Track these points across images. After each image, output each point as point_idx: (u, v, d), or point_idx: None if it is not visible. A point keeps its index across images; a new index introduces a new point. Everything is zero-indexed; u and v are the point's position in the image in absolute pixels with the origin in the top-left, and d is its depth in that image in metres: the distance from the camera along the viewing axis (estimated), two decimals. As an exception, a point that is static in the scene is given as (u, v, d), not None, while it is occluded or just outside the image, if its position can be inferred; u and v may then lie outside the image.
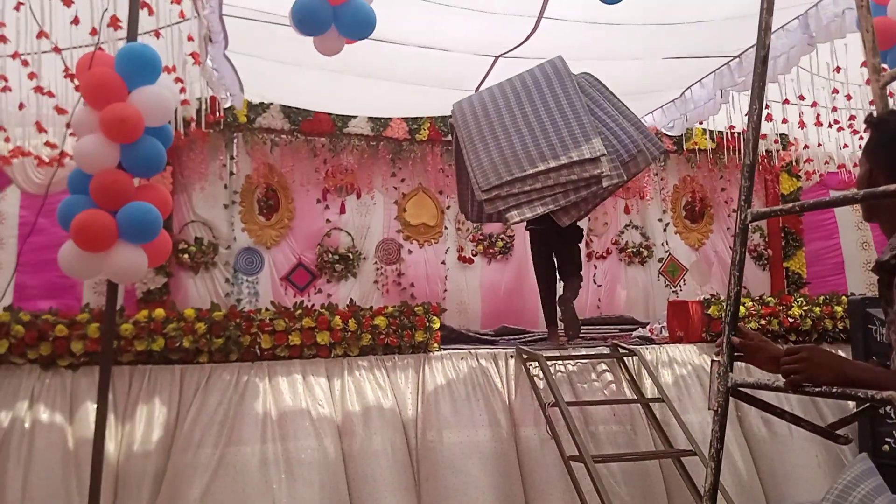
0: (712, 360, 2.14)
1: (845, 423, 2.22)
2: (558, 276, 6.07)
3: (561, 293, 5.94)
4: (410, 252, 7.57)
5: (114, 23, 4.19)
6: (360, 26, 3.96)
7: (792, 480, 5.25)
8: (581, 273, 6.06)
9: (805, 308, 5.94)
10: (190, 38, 4.89)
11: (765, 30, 2.13)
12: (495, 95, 5.28)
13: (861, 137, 6.64)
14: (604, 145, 4.88)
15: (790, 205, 2.18)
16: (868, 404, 2.02)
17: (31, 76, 4.85)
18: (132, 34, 3.91)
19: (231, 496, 4.41)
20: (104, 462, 3.75)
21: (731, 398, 2.10)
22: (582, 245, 6.32)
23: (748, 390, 2.16)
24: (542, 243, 5.99)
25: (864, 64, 5.69)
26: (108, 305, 3.79)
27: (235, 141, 7.07)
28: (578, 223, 5.55)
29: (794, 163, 8.26)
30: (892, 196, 1.70)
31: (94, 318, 4.61)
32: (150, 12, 4.37)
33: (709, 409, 2.10)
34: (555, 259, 6.03)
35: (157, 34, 4.68)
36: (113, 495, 4.39)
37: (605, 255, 8.14)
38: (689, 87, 6.98)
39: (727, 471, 5.04)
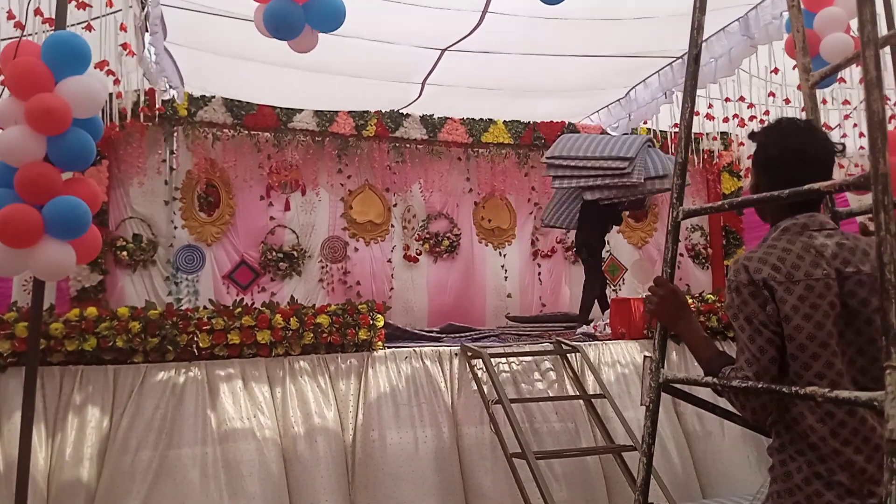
0: (645, 357, 2.16)
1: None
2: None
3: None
4: (357, 250, 7.50)
5: (39, 13, 4.04)
6: (332, 18, 3.91)
7: (726, 476, 5.36)
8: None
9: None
10: (123, 28, 4.73)
11: (697, 29, 2.15)
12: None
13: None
14: (643, 164, 6.25)
15: (719, 203, 2.22)
16: None
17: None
18: (60, 23, 3.78)
19: (172, 500, 4.29)
20: (34, 469, 3.60)
21: (663, 394, 2.13)
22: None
23: (680, 386, 2.19)
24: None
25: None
26: (35, 303, 3.65)
27: (175, 135, 6.89)
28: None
29: (735, 161, 8.43)
30: (815, 193, 1.74)
31: (23, 317, 4.43)
32: (81, 6, 4.23)
33: (641, 404, 2.12)
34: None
35: (89, 27, 4.52)
36: (45, 496, 4.23)
37: (549, 253, 8.19)
38: (633, 87, 7.07)
39: (665, 466, 5.12)
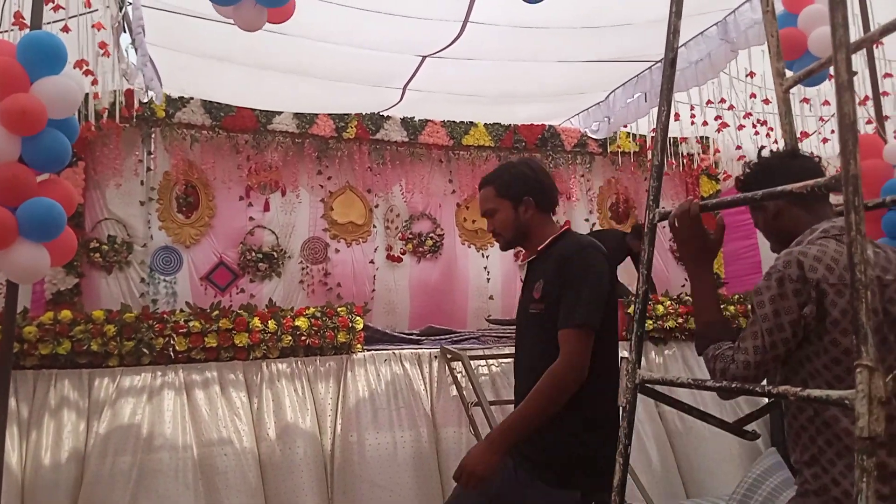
0: (622, 357, 2.17)
1: (752, 418, 2.28)
2: None
3: None
4: (338, 251, 7.47)
5: (16, 19, 3.99)
6: None
7: (710, 473, 5.39)
8: None
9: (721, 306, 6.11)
10: (99, 27, 4.67)
11: (673, 33, 2.17)
12: None
13: (776, 142, 6.87)
14: None
15: (736, 197, 2.22)
16: (773, 399, 2.10)
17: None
18: (36, 23, 3.73)
19: (149, 504, 4.26)
20: (7, 474, 3.55)
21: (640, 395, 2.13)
22: None
23: (657, 387, 2.20)
24: None
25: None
26: (8, 306, 3.60)
27: (153, 136, 6.82)
28: None
29: (713, 165, 8.50)
30: (788, 196, 1.76)
31: (-5, 320, 4.37)
32: (56, 8, 4.17)
33: (618, 404, 2.13)
34: None
35: (66, 28, 4.47)
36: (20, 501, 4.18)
37: (532, 255, 8.20)
38: (613, 91, 7.11)
39: (646, 465, 5.14)
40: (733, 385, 1.83)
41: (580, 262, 2.35)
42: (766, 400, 2.51)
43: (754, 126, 7.11)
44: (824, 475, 1.77)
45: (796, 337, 1.77)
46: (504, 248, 2.68)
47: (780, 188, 1.77)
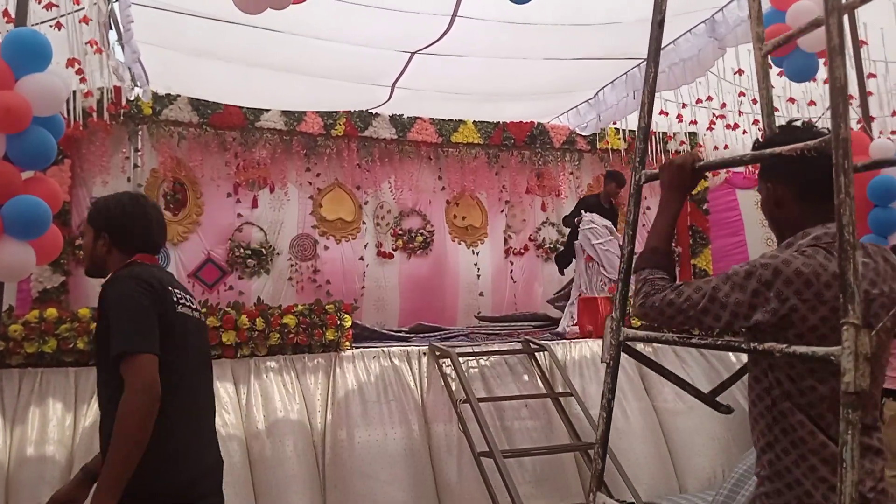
0: (607, 316, 2.21)
1: (724, 387, 2.32)
2: None
3: None
4: (327, 248, 7.46)
5: (6, 14, 3.97)
6: None
7: (700, 452, 5.34)
8: None
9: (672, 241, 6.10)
10: (86, 20, 4.64)
11: (661, -4, 2.17)
12: None
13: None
14: None
15: (735, 157, 2.27)
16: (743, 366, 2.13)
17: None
18: (21, 20, 3.70)
19: None
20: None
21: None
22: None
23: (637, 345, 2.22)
24: None
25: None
26: (-7, 305, 3.57)
27: (140, 133, 6.79)
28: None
29: (702, 162, 8.52)
30: (778, 157, 1.78)
31: (-19, 318, 4.34)
32: (49, 7, 4.15)
33: (602, 361, 2.15)
34: None
35: (59, 25, 4.44)
36: (4, 501, 4.15)
37: (522, 251, 8.22)
38: (601, 89, 7.12)
39: (642, 461, 5.13)
40: (718, 341, 1.86)
41: (112, 292, 2.26)
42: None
43: (737, 126, 7.17)
44: (778, 462, 1.79)
45: (724, 327, 1.79)
46: (86, 272, 2.59)
47: (769, 150, 1.79)
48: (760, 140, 2.04)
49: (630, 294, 2.05)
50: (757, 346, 1.70)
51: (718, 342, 1.82)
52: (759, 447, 1.87)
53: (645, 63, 6.61)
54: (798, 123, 1.94)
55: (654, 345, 5.78)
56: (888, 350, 1.85)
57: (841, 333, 1.50)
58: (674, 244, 8.64)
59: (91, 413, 4.40)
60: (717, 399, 2.27)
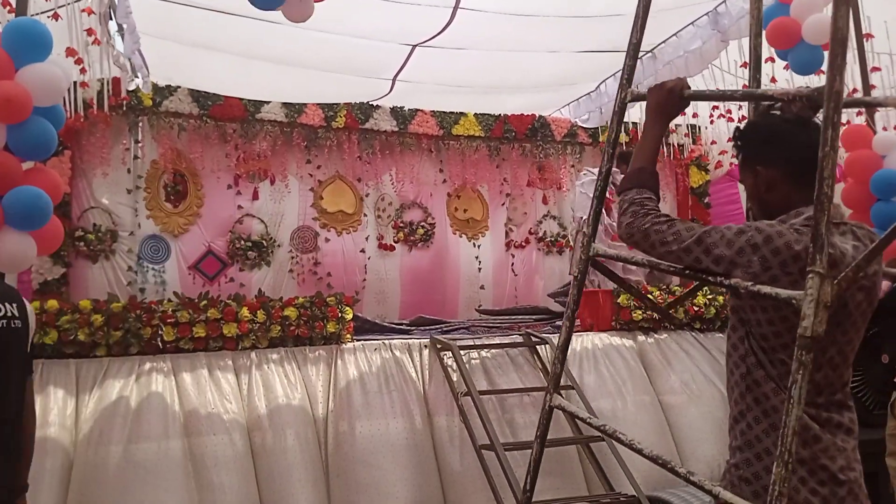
0: (577, 231, 2.29)
1: (679, 301, 2.41)
2: None
3: None
4: (328, 240, 7.44)
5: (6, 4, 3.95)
6: None
7: (706, 439, 5.32)
8: None
9: (709, 297, 6.11)
10: (89, 11, 4.62)
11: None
12: None
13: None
14: None
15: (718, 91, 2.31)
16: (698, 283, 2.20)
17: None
18: (21, 9, 3.69)
19: (140, 495, 4.23)
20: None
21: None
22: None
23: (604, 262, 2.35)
24: None
25: (769, 59, 5.92)
26: (-6, 297, 3.56)
27: (140, 125, 6.76)
28: None
29: (705, 155, 8.50)
30: (769, 98, 1.83)
31: (-19, 310, 4.33)
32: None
33: (569, 274, 2.22)
34: None
35: (56, 16, 4.42)
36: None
37: (523, 244, 8.20)
38: (603, 81, 7.10)
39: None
40: (686, 271, 1.88)
41: None
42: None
43: (744, 118, 7.15)
44: (749, 431, 1.81)
45: (701, 273, 1.81)
46: None
47: (760, 91, 1.81)
48: (741, 128, 2.05)
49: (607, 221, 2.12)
50: (723, 280, 1.74)
51: (687, 271, 1.84)
52: (732, 417, 1.89)
53: (645, 56, 6.57)
54: (776, 112, 1.97)
55: (657, 337, 5.79)
56: (859, 335, 1.86)
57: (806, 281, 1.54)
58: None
59: (91, 404, 4.41)
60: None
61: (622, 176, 2.12)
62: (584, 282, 2.22)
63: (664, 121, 2.06)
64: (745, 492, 1.78)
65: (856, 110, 4.89)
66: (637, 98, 2.12)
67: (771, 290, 1.64)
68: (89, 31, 4.70)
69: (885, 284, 4.44)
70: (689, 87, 2.05)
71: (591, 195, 6.75)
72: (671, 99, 2.03)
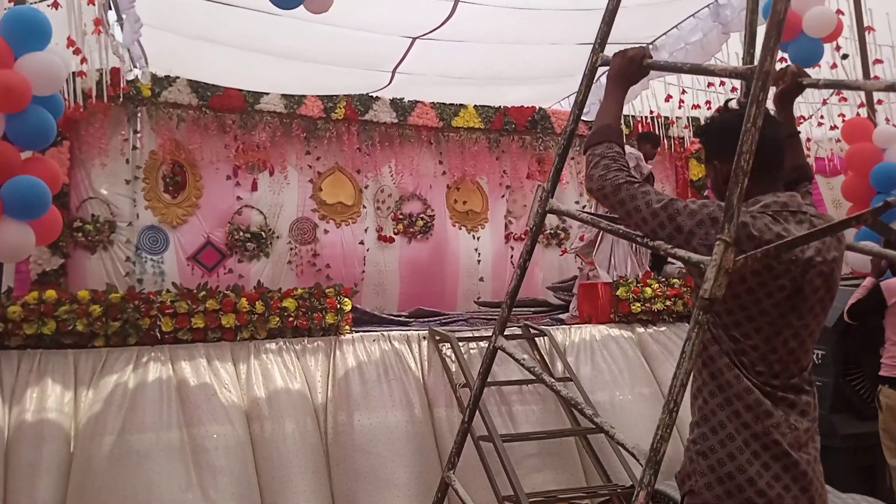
0: (537, 185, 2.34)
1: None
2: None
3: None
4: (327, 232, 7.44)
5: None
6: None
7: None
8: None
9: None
10: (92, 1, 4.60)
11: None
12: None
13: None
14: None
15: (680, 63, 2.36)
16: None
17: None
18: (20, -2, 3.68)
19: (138, 484, 4.23)
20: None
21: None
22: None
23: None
24: None
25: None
26: (-8, 286, 3.57)
27: (139, 115, 6.75)
28: None
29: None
30: (707, 72, 2.02)
31: (-20, 299, 4.33)
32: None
33: (526, 226, 2.26)
34: None
35: (56, 5, 4.40)
36: (3, 482, 4.15)
37: (522, 236, 8.19)
38: (604, 73, 7.06)
39: (638, 439, 5.14)
40: (649, 244, 1.92)
41: None
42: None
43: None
44: (705, 406, 1.87)
45: (662, 239, 1.85)
46: None
47: (704, 65, 1.89)
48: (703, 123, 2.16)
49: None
50: (648, 241, 1.86)
51: (649, 245, 1.91)
52: (691, 394, 1.93)
53: (650, 46, 6.53)
54: (734, 104, 2.05)
55: (648, 330, 5.78)
56: (818, 322, 1.90)
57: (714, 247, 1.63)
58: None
59: (90, 394, 4.40)
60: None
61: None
62: (538, 235, 2.37)
63: (625, 85, 2.15)
64: (701, 465, 1.84)
65: (857, 103, 4.88)
66: (606, 63, 2.19)
67: (685, 253, 1.72)
68: (95, 21, 4.68)
69: (886, 284, 4.44)
70: (651, 57, 2.14)
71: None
72: (632, 66, 2.12)
